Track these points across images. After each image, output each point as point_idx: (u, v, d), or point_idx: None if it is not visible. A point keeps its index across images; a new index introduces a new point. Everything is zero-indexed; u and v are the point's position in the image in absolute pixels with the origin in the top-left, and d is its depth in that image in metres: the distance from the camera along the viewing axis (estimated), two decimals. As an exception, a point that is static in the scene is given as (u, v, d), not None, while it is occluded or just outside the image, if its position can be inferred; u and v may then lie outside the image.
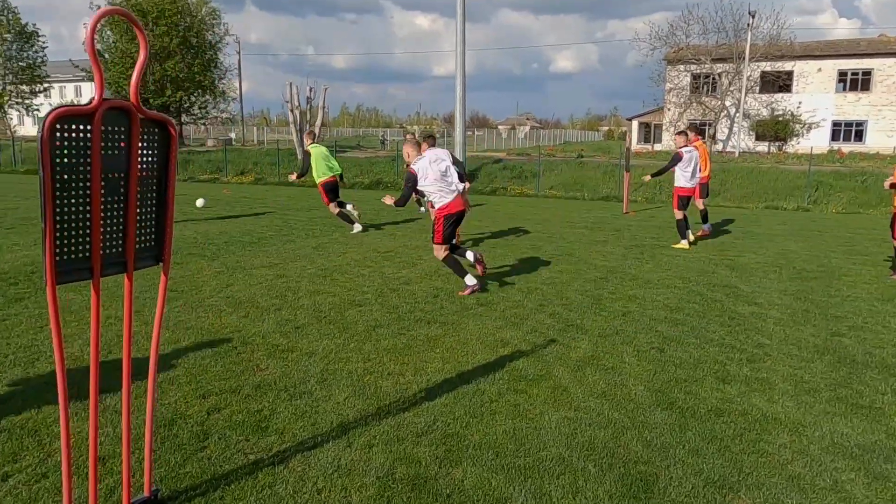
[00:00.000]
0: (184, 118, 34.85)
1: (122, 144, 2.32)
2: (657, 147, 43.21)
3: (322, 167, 11.28)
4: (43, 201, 2.11)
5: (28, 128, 57.76)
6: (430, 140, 10.02)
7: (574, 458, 3.25)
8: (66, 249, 2.22)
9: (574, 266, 8.34)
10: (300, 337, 5.15)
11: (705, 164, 11.65)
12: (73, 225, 2.23)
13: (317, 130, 27.93)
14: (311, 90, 27.82)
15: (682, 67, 40.52)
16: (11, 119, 41.09)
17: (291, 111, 27.24)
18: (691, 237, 10.19)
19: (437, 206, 6.84)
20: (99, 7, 29.74)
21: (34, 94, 37.84)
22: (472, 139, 53.23)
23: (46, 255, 2.15)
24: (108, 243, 2.36)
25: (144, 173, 2.44)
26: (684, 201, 9.99)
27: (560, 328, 5.53)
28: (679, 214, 10.02)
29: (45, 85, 38.40)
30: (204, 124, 62.86)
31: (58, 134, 2.11)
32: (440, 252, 6.85)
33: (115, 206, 2.36)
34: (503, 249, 9.55)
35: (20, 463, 3.10)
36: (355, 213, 11.71)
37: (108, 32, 29.64)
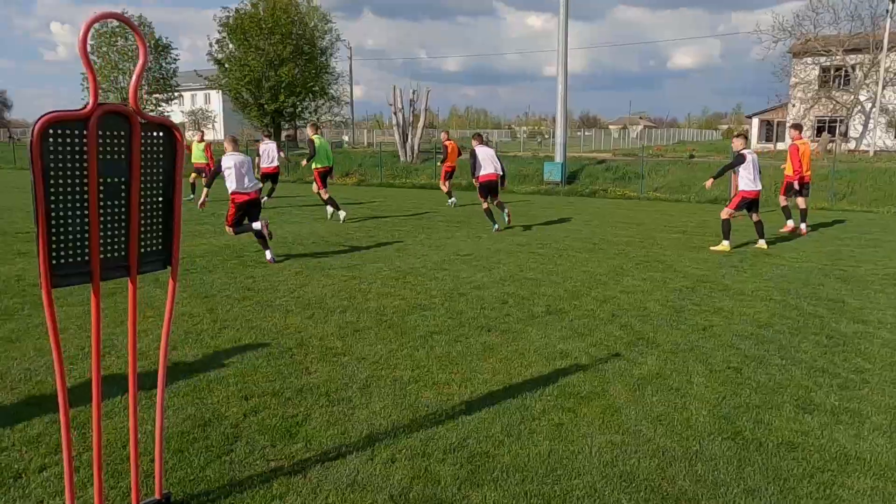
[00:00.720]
0: (296, 122, 36.47)
1: (122, 150, 2.32)
2: (780, 146, 40.28)
3: (322, 157, 12.61)
4: (35, 206, 2.13)
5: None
6: (478, 138, 11.55)
7: (608, 489, 2.96)
8: (63, 253, 2.25)
9: (661, 274, 7.82)
10: (356, 341, 5.12)
11: (805, 164, 11.20)
12: (71, 229, 2.25)
13: (419, 132, 28.35)
14: (414, 93, 28.26)
15: (809, 60, 37.51)
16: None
17: (395, 114, 27.79)
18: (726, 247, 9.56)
19: (231, 192, 8.26)
20: (221, 20, 31.71)
21: (167, 101, 41.01)
22: (577, 140, 52.09)
23: (40, 258, 2.18)
24: (109, 247, 2.37)
25: (148, 178, 2.44)
26: (745, 203, 9.63)
27: (629, 341, 5.16)
28: (725, 213, 9.57)
29: (176, 94, 41.56)
30: (322, 127, 65.39)
31: (50, 140, 2.13)
32: (230, 231, 8.50)
33: (116, 210, 2.36)
34: (587, 254, 9.15)
35: (59, 455, 3.23)
36: (341, 215, 12.56)
37: (230, 44, 31.51)
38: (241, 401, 3.91)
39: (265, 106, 31.70)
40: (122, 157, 2.34)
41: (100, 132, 2.25)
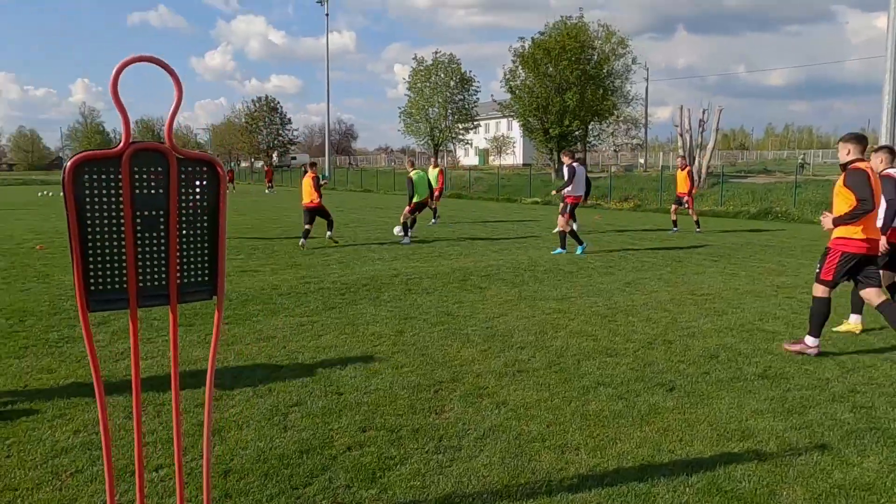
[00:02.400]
0: (585, 146, 36.54)
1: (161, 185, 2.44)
2: None
3: (421, 189, 13.56)
4: (70, 239, 2.34)
5: (471, 158, 68.41)
6: (571, 154, 12.11)
7: None
8: (100, 280, 2.43)
9: (964, 340, 5.85)
10: (511, 382, 4.76)
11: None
12: (108, 259, 2.42)
13: (708, 154, 26.04)
14: (703, 112, 26.17)
15: None
16: (453, 153, 49.10)
17: (680, 135, 26.08)
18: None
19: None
20: (516, 51, 33.34)
21: (469, 130, 44.58)
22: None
23: (76, 286, 2.38)
24: (148, 276, 2.50)
25: (190, 210, 2.52)
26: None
27: (852, 430, 3.90)
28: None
29: (478, 122, 44.94)
30: (616, 150, 64.88)
31: (85, 177, 2.32)
32: None
33: (155, 241, 2.48)
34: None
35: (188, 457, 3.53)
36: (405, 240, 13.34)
37: (521, 72, 32.99)
38: (356, 432, 3.87)
39: (550, 130, 32.39)
40: (161, 191, 2.45)
41: (135, 168, 2.39)
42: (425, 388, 4.65)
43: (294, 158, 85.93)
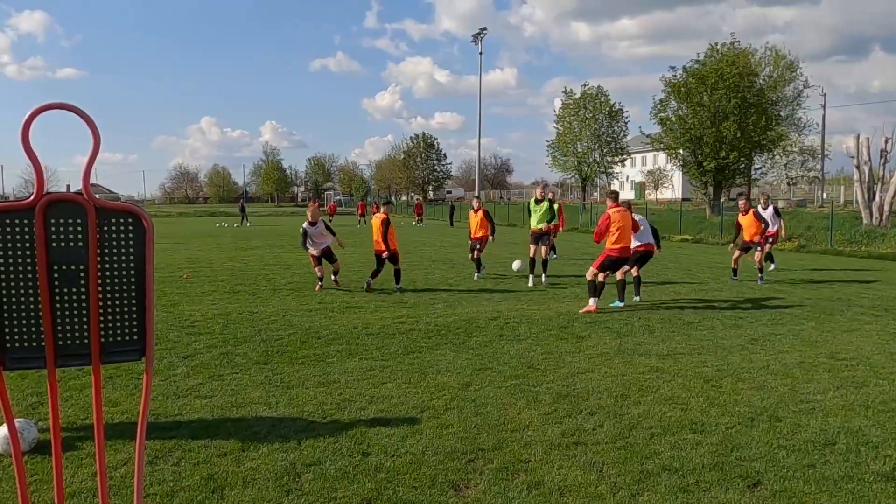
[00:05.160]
0: (740, 180, 33.67)
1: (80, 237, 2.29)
2: None
3: (533, 217, 12.78)
4: (-19, 293, 2.24)
5: (626, 192, 66.19)
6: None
7: None
8: (17, 337, 2.31)
9: None
10: (560, 458, 4.13)
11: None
12: (24, 315, 2.29)
13: (892, 188, 22.80)
14: (886, 141, 22.96)
15: None
16: (607, 186, 47.62)
17: (857, 168, 23.06)
18: None
19: None
20: (667, 81, 31.69)
21: (618, 163, 43.05)
22: None
23: (-14, 342, 2.27)
24: (67, 335, 2.35)
25: (113, 265, 2.35)
26: None
27: None
28: None
29: (626, 156, 43.28)
30: (790, 184, 59.43)
31: (-3, 229, 2.22)
32: None
33: (75, 298, 2.33)
34: None
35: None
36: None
37: (673, 102, 31.22)
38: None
39: (704, 164, 30.21)
40: (80, 244, 2.30)
41: (51, 220, 2.26)
42: (460, 455, 4.17)
43: (449, 192, 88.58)
